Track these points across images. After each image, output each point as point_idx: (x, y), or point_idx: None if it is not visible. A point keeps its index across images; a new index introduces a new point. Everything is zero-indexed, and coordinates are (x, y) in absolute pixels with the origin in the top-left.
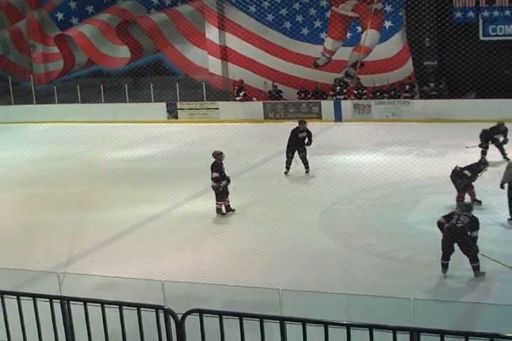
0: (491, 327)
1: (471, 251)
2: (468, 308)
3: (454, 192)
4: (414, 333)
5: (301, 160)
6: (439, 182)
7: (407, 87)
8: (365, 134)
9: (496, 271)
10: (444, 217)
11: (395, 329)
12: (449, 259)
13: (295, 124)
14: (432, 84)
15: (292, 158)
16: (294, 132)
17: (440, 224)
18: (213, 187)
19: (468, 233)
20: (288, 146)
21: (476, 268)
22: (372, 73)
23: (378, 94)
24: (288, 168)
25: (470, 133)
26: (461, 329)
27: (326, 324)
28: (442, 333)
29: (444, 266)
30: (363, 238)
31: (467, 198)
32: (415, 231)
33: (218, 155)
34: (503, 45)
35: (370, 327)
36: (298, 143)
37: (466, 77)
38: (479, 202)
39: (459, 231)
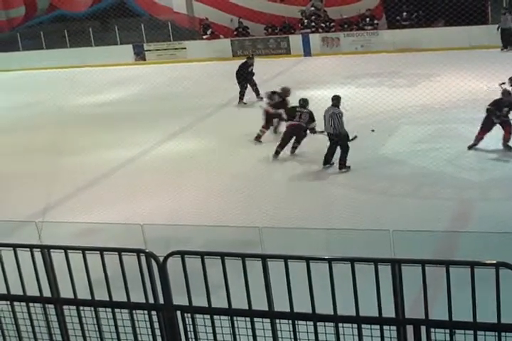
0: (470, 255)
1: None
2: (448, 237)
3: (429, 122)
4: (396, 264)
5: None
6: (412, 112)
7: (368, 19)
8: (335, 68)
9: (474, 199)
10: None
11: (376, 262)
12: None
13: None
14: (404, 14)
15: (246, 88)
16: (244, 66)
17: None
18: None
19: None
20: (240, 79)
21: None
22: (340, 5)
23: (346, 26)
24: (242, 98)
25: (439, 62)
26: (441, 259)
27: (307, 259)
28: (423, 263)
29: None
30: (339, 171)
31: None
32: (391, 162)
33: (287, 92)
34: None
35: (352, 261)
36: (250, 77)
37: (434, 4)
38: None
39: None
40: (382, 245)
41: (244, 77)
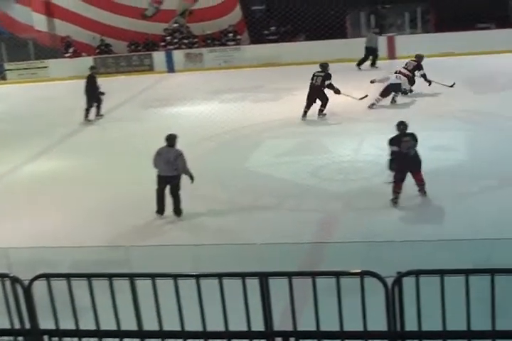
0: (337, 265)
1: None
2: (314, 248)
3: (291, 135)
4: (263, 277)
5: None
6: (276, 125)
7: (231, 35)
8: (198, 83)
9: (337, 210)
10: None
11: (243, 276)
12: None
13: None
14: (272, 28)
15: (92, 106)
16: (91, 79)
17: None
18: None
19: None
20: (91, 94)
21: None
22: (202, 21)
23: (209, 41)
24: (88, 115)
25: (302, 75)
26: (307, 270)
27: (175, 277)
28: (290, 275)
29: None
30: (204, 186)
31: None
32: (255, 175)
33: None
34: None
35: (219, 276)
36: (98, 93)
37: (295, 19)
38: None
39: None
40: (249, 259)
41: (92, 92)
